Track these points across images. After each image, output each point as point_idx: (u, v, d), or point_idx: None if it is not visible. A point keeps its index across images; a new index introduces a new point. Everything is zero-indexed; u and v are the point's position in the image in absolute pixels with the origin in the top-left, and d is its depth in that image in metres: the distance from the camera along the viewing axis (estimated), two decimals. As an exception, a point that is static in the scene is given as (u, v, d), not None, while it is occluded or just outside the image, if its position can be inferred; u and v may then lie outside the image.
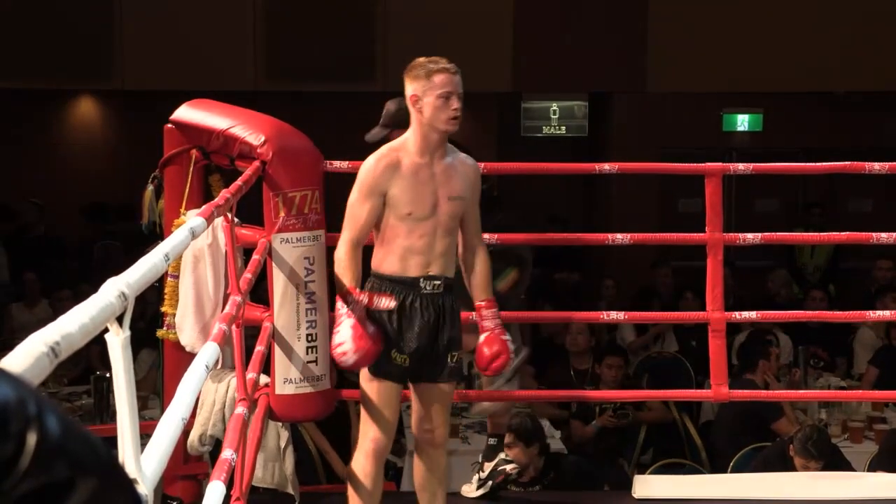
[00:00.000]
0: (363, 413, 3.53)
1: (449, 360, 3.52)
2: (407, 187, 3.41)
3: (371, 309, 3.42)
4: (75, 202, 10.74)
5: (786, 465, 4.94)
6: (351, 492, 3.57)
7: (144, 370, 6.22)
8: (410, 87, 3.44)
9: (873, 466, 5.23)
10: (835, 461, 4.96)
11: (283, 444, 4.08)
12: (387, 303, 3.42)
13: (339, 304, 3.40)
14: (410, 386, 3.58)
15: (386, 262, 3.47)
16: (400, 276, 3.45)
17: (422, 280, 3.44)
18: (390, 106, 4.29)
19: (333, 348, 3.38)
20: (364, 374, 3.50)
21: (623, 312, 4.73)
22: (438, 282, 3.46)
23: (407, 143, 3.47)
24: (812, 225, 9.88)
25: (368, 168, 3.45)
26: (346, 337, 3.33)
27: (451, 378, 3.57)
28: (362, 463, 3.53)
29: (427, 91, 3.39)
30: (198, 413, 3.92)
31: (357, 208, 3.45)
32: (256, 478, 3.90)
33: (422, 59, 3.46)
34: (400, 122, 4.57)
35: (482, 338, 3.59)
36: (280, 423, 4.09)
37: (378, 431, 3.50)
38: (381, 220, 3.45)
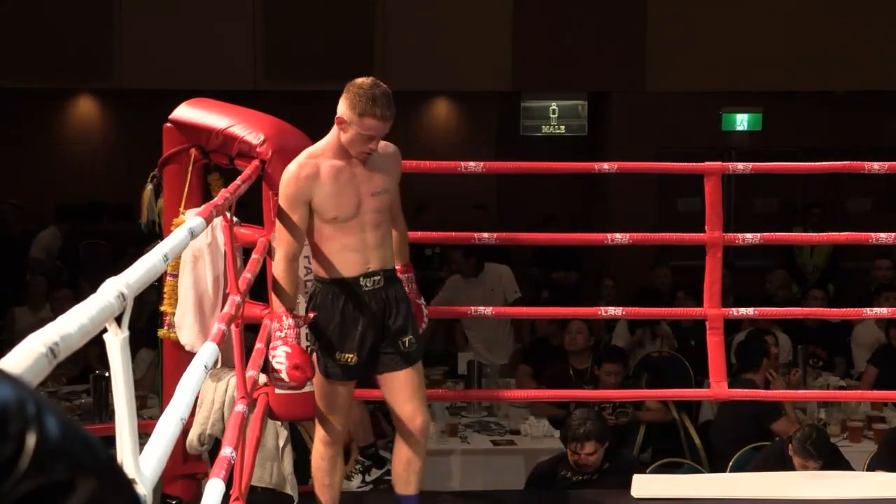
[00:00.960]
0: (317, 408, 3.64)
1: (400, 346, 3.57)
2: (330, 193, 3.44)
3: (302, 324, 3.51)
4: (74, 202, 10.75)
5: (785, 465, 4.95)
6: (317, 483, 3.72)
7: (143, 369, 6.22)
8: (342, 106, 3.44)
9: (872, 466, 5.23)
10: (834, 460, 4.96)
11: (281, 444, 4.08)
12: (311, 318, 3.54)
13: (275, 325, 3.44)
14: (377, 380, 3.66)
15: (324, 265, 3.52)
16: (340, 278, 3.50)
17: (362, 278, 3.50)
18: None
19: (270, 371, 3.43)
20: (316, 371, 3.57)
21: (621, 308, 4.73)
22: (378, 276, 3.52)
23: (326, 148, 3.50)
24: (811, 225, 9.88)
25: (289, 179, 3.46)
26: (281, 365, 3.37)
27: (407, 363, 3.60)
28: (319, 448, 3.68)
29: (353, 124, 3.41)
30: (197, 412, 3.92)
31: (285, 220, 3.47)
32: (255, 477, 3.90)
33: (365, 88, 3.41)
34: None
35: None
36: (279, 423, 4.09)
37: (330, 423, 3.63)
38: (309, 226, 3.49)
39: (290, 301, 3.46)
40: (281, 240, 3.48)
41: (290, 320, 3.43)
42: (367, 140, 3.43)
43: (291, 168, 3.48)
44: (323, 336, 3.55)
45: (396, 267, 3.66)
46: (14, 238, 9.74)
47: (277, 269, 3.47)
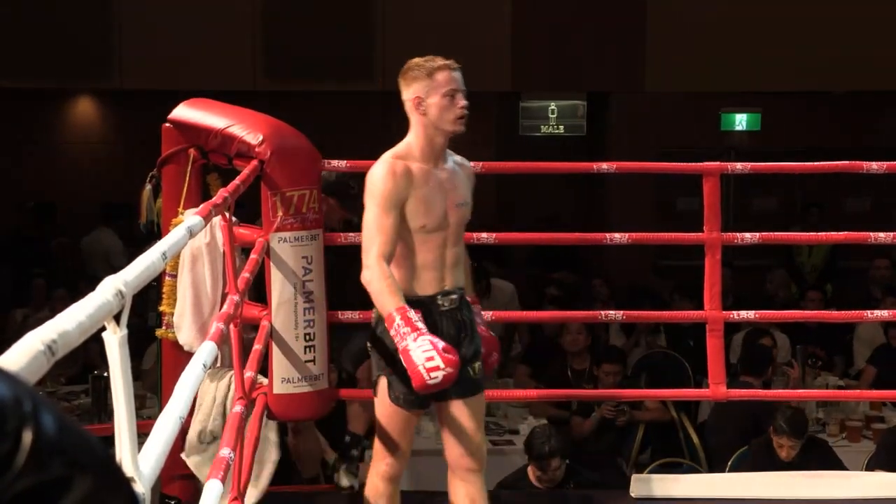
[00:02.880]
0: (378, 437, 3.35)
1: (470, 373, 3.31)
2: (421, 198, 3.20)
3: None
4: (74, 201, 10.75)
5: (770, 454, 4.99)
6: None
7: (151, 362, 6.24)
8: (410, 90, 3.25)
9: (871, 465, 5.23)
10: (816, 448, 5.14)
11: (268, 457, 4.01)
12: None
13: (398, 326, 3.02)
14: (436, 408, 3.38)
15: (400, 282, 3.20)
16: (415, 296, 3.21)
17: (439, 297, 3.26)
18: (327, 177, 4.37)
19: (421, 366, 2.96)
20: (383, 400, 3.30)
21: (621, 312, 4.73)
22: (455, 296, 3.29)
23: (411, 150, 3.25)
24: (810, 225, 9.89)
25: (383, 178, 3.18)
26: (432, 354, 2.96)
27: (474, 392, 3.34)
28: (377, 485, 3.37)
29: (430, 91, 3.21)
30: (196, 412, 3.91)
31: (380, 222, 3.15)
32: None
33: (417, 60, 3.26)
34: (326, 189, 4.70)
35: None
36: (270, 434, 4.04)
37: (393, 458, 3.33)
38: None
39: (401, 297, 3.09)
40: (373, 241, 3.14)
41: (414, 313, 3.05)
42: (451, 98, 3.21)
43: (382, 168, 3.21)
44: (396, 359, 3.13)
45: (468, 299, 3.43)
46: (23, 239, 9.78)
47: (375, 270, 3.10)
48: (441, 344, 3.00)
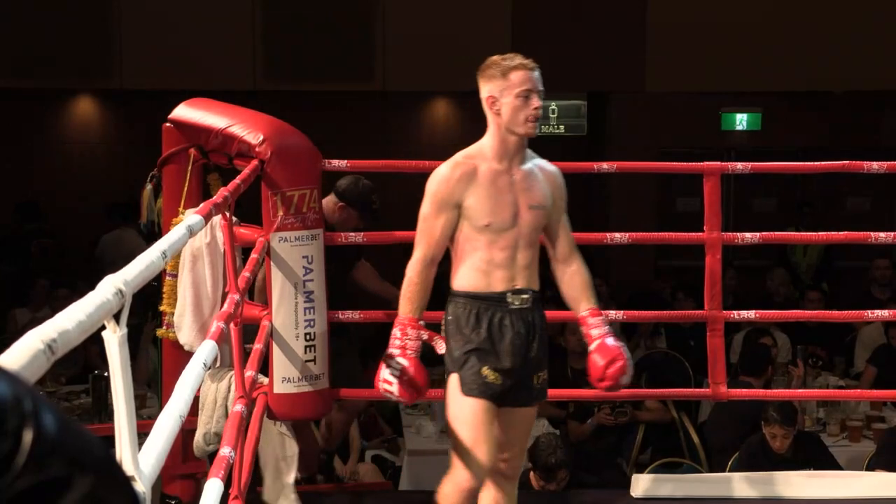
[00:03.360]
0: (455, 438, 3.18)
1: (534, 381, 3.25)
2: (485, 196, 3.16)
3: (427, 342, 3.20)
4: (74, 200, 10.75)
5: (764, 450, 5.00)
6: None
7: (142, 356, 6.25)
8: (486, 88, 3.21)
9: (872, 465, 5.23)
10: (809, 442, 5.22)
11: (289, 453, 4.01)
12: (440, 346, 3.21)
13: (396, 332, 3.15)
14: None
15: (468, 277, 3.20)
16: (485, 293, 3.19)
17: (509, 295, 3.19)
18: (342, 181, 4.59)
19: (379, 381, 3.15)
20: (454, 398, 3.20)
21: (622, 311, 4.73)
22: (527, 295, 3.21)
23: (483, 149, 3.23)
24: (803, 224, 9.89)
25: (441, 178, 3.20)
26: (394, 377, 3.10)
27: (536, 401, 3.31)
28: (450, 495, 3.17)
29: (504, 91, 3.16)
30: (199, 414, 3.91)
31: (430, 222, 3.19)
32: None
33: (496, 58, 3.22)
34: (350, 199, 4.75)
35: (591, 348, 3.31)
36: (282, 428, 4.04)
37: (472, 458, 3.13)
38: (456, 232, 3.21)
39: (419, 309, 3.17)
40: (421, 241, 3.21)
41: (415, 331, 3.13)
42: (525, 99, 3.15)
43: (444, 169, 3.22)
44: (465, 350, 3.17)
45: (585, 312, 3.33)
46: (20, 238, 9.77)
47: (413, 271, 3.18)
48: (411, 375, 3.12)
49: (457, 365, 3.20)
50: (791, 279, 9.19)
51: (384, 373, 3.14)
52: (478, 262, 3.19)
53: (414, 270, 3.19)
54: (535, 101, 3.17)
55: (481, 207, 3.17)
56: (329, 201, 4.79)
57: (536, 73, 3.20)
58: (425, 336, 3.19)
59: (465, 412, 3.17)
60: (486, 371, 3.16)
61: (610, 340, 3.29)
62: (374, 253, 4.87)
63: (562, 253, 3.35)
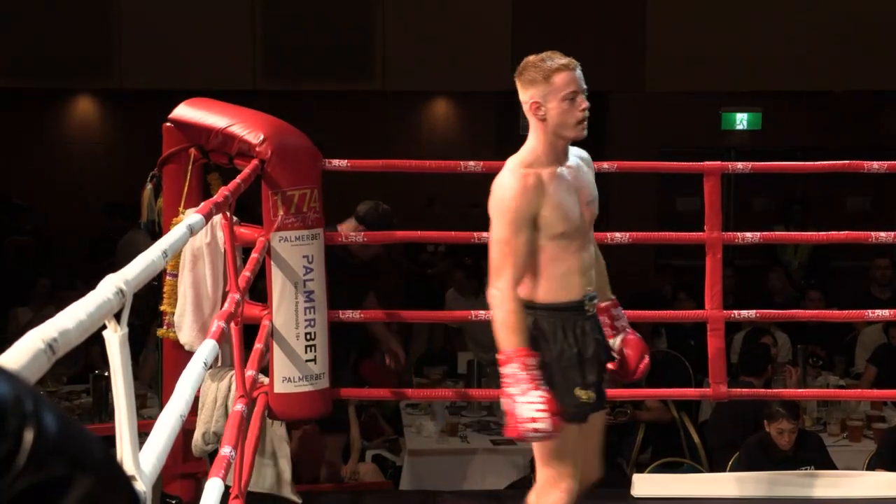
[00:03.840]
0: (547, 459, 3.07)
1: (604, 385, 3.16)
2: (556, 204, 3.01)
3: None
4: (73, 201, 10.75)
5: (765, 449, 5.00)
6: None
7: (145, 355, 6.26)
8: (527, 93, 3.07)
9: (872, 465, 5.24)
10: (810, 441, 5.23)
11: (279, 448, 4.06)
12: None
13: (516, 368, 2.88)
14: None
15: (546, 290, 3.04)
16: (566, 303, 3.05)
17: (586, 301, 3.07)
18: (361, 207, 4.74)
19: (524, 421, 2.84)
20: None
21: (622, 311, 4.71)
22: (595, 299, 3.13)
23: (537, 155, 3.07)
24: (793, 222, 9.90)
25: (514, 194, 2.98)
26: (540, 413, 2.83)
27: (604, 405, 3.22)
28: None
29: (549, 95, 3.01)
30: (199, 413, 3.91)
31: (512, 243, 2.96)
32: (251, 482, 3.89)
33: (534, 59, 3.08)
34: (371, 223, 4.78)
35: (620, 340, 3.24)
36: (277, 427, 4.07)
37: (568, 480, 3.05)
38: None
39: (525, 338, 2.93)
40: (505, 265, 2.95)
41: (533, 360, 2.90)
42: (573, 101, 3.01)
43: (512, 181, 3.00)
44: (557, 371, 3.01)
45: (608, 302, 3.27)
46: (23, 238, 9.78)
47: (506, 299, 2.93)
48: (553, 406, 2.86)
49: (549, 385, 2.96)
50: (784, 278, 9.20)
51: (524, 412, 2.83)
52: (554, 272, 3.04)
53: (507, 298, 2.94)
54: (582, 102, 3.04)
55: (556, 217, 3.01)
56: (349, 227, 4.81)
57: (579, 72, 3.06)
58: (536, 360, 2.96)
59: (559, 437, 2.96)
60: (578, 392, 3.04)
61: (633, 335, 3.26)
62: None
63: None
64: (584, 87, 3.07)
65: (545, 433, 2.84)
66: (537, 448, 3.07)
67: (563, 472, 3.05)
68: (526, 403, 2.83)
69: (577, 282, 3.06)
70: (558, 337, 3.02)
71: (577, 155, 3.19)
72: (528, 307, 3.02)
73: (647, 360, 3.25)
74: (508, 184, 3.01)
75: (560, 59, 3.05)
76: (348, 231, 4.67)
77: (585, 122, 3.05)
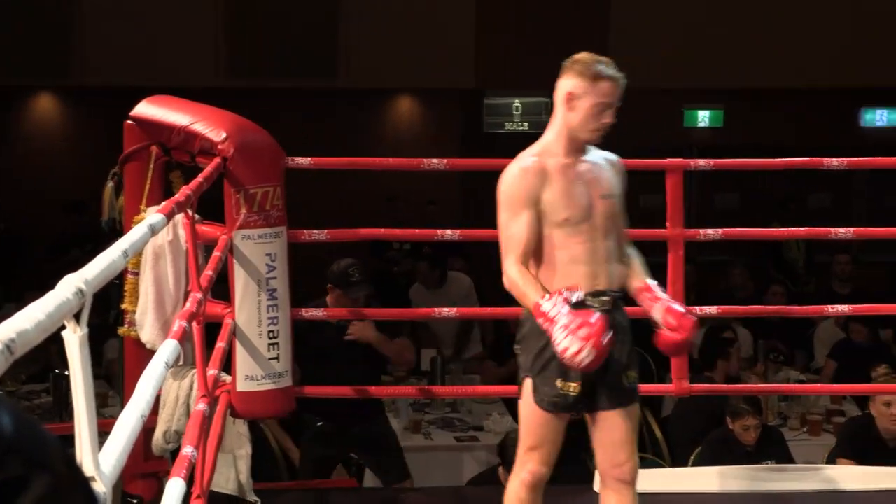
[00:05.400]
0: (522, 440, 3.21)
1: (624, 381, 3.19)
2: (560, 190, 3.10)
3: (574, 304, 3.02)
4: (34, 199, 10.66)
5: (729, 445, 5.04)
6: None
7: (113, 353, 6.23)
8: (570, 83, 3.15)
9: (832, 457, 5.29)
10: (773, 436, 5.26)
11: (241, 453, 4.04)
12: (578, 295, 3.07)
13: (549, 307, 2.93)
14: (587, 416, 3.25)
15: (547, 278, 3.10)
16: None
17: (589, 298, 3.09)
18: (333, 268, 4.78)
19: (568, 352, 2.90)
20: (527, 402, 3.18)
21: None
22: (606, 298, 3.12)
23: (549, 146, 3.18)
24: (788, 220, 9.99)
25: (514, 178, 3.12)
26: (581, 339, 2.87)
27: (629, 402, 3.22)
28: (517, 491, 3.21)
29: (586, 94, 3.13)
30: (160, 411, 3.90)
31: (514, 226, 3.08)
32: (214, 481, 3.88)
33: (590, 57, 3.18)
34: (334, 281, 4.79)
35: (659, 307, 3.22)
36: (243, 430, 4.05)
37: (537, 464, 3.18)
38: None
39: (541, 290, 2.99)
40: (510, 247, 3.08)
41: (559, 295, 2.96)
42: (601, 111, 3.13)
43: (515, 167, 3.14)
44: (542, 361, 3.11)
45: (641, 284, 3.26)
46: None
47: (514, 273, 3.03)
48: (593, 321, 2.89)
49: (533, 371, 3.13)
50: (786, 277, 9.28)
51: (564, 342, 2.89)
52: (557, 262, 3.11)
53: (514, 272, 3.04)
54: (609, 117, 3.16)
55: (558, 202, 3.10)
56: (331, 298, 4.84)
57: (621, 89, 3.17)
58: (562, 297, 2.99)
59: (533, 421, 3.17)
60: (560, 383, 3.11)
61: (672, 302, 3.26)
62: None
63: (619, 241, 3.27)
64: (619, 104, 3.18)
65: (585, 356, 2.87)
66: (520, 425, 3.21)
67: (532, 456, 3.18)
68: (564, 338, 2.89)
69: (581, 272, 3.10)
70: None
71: (603, 156, 3.29)
72: None
73: (691, 318, 3.23)
74: (510, 169, 3.16)
75: (611, 70, 3.18)
76: (333, 306, 4.71)
77: (601, 133, 3.17)
